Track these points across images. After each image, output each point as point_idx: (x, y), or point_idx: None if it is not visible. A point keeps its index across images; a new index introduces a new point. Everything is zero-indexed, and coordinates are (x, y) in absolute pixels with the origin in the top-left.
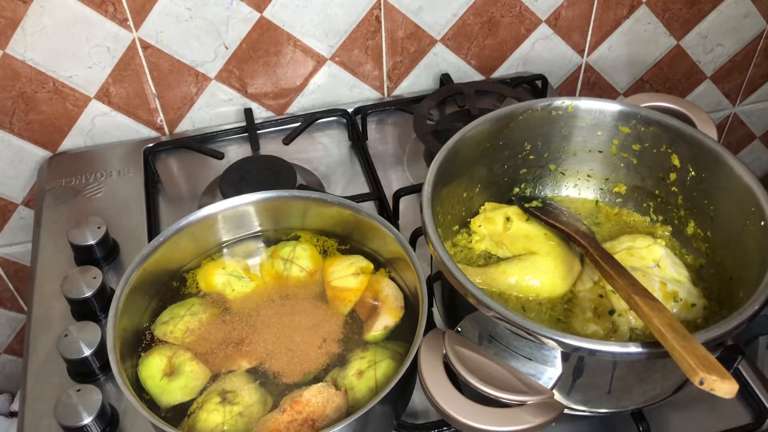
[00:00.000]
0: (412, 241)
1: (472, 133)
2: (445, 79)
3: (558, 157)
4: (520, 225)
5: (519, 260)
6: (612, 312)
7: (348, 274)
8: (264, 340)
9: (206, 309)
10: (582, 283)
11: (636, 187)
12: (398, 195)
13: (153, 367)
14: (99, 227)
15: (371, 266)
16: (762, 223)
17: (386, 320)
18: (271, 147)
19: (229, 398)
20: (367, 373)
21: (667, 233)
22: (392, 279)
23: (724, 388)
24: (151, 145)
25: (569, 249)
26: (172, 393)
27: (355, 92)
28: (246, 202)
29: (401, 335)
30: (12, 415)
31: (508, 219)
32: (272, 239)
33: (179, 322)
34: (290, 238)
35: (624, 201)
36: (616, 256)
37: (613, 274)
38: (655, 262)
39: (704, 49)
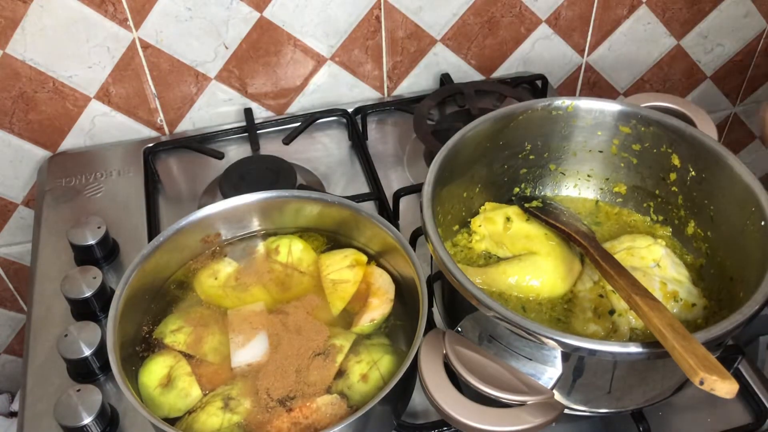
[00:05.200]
0: (412, 241)
1: (472, 133)
2: (445, 79)
3: (558, 157)
4: (520, 225)
5: (519, 260)
6: (612, 312)
7: (343, 267)
8: (264, 352)
9: (205, 318)
10: (582, 283)
11: (636, 187)
12: (398, 195)
13: (152, 374)
14: (99, 227)
15: (365, 258)
16: (762, 223)
17: (373, 313)
18: (271, 147)
19: (232, 406)
20: (372, 375)
21: (667, 233)
22: (389, 273)
23: (725, 388)
24: (151, 145)
25: (569, 249)
26: (160, 406)
27: (355, 92)
28: (246, 202)
29: (397, 332)
30: (12, 415)
31: (508, 219)
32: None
33: (181, 332)
34: (288, 236)
35: (624, 201)
36: (616, 256)
37: (613, 274)
38: (656, 261)
39: (704, 49)
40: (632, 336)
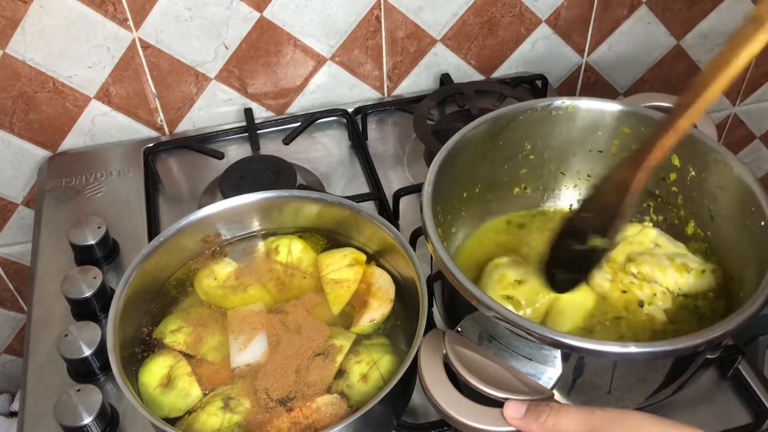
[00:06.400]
0: (412, 241)
1: (472, 133)
2: (445, 79)
3: (558, 157)
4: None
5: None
6: (641, 304)
7: (343, 266)
8: (263, 353)
9: (205, 318)
10: (599, 285)
11: None
12: (398, 195)
13: (152, 374)
14: (99, 227)
15: (364, 256)
16: (762, 223)
17: (373, 313)
18: (271, 147)
19: (232, 406)
20: (372, 375)
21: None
22: (389, 273)
23: None
24: (151, 145)
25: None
26: (160, 406)
27: (355, 92)
28: (246, 202)
29: (397, 332)
30: (12, 415)
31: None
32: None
33: (181, 332)
34: (287, 236)
35: None
36: (616, 250)
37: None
38: (654, 242)
39: (704, 49)
40: (669, 318)
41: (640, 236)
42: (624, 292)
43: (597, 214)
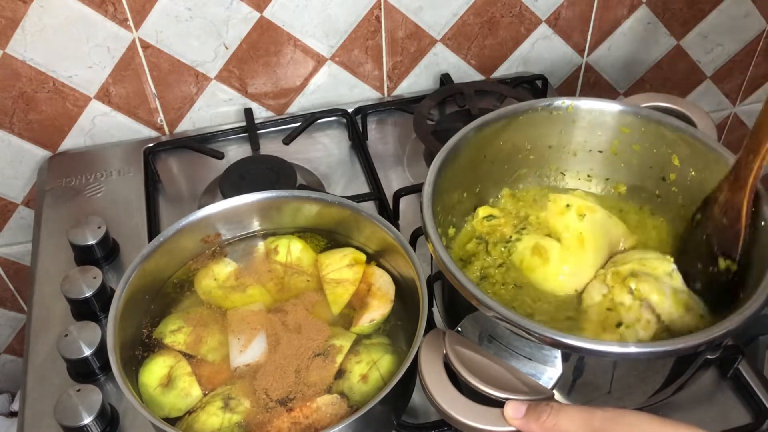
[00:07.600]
0: (412, 241)
1: (472, 133)
2: (445, 79)
3: (558, 157)
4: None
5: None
6: (619, 324)
7: (343, 266)
8: (263, 353)
9: (205, 318)
10: (590, 297)
11: (636, 187)
12: (398, 195)
13: (152, 374)
14: (99, 227)
15: (364, 256)
16: (762, 223)
17: (373, 314)
18: (271, 147)
19: (232, 405)
20: (372, 375)
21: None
22: (389, 273)
23: None
24: (151, 145)
25: (594, 253)
26: (160, 406)
27: (355, 92)
28: (246, 202)
29: (397, 332)
30: (12, 415)
31: (567, 206)
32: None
33: (181, 332)
34: (286, 236)
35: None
36: (627, 266)
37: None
38: (667, 274)
39: (704, 49)
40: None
41: (657, 263)
42: (609, 309)
43: (717, 235)
